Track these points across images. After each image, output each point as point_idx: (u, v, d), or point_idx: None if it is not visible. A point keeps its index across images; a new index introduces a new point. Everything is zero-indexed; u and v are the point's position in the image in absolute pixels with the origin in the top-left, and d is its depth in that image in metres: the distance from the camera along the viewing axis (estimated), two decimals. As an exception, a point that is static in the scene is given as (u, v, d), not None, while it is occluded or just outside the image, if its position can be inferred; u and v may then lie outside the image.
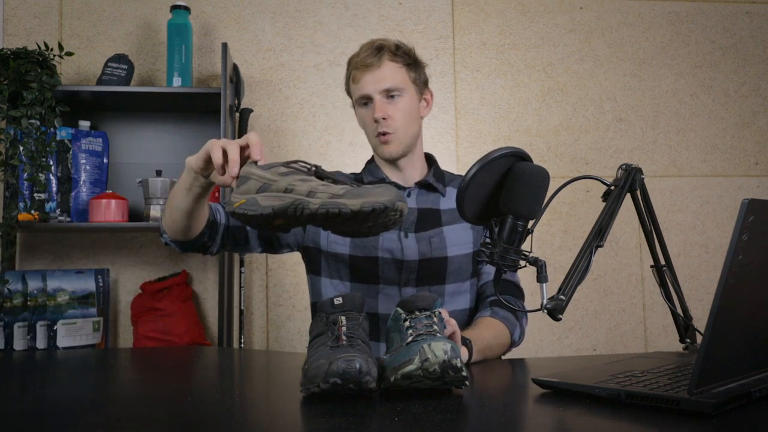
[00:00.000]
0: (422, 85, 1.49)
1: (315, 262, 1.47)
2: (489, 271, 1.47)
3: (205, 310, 2.41)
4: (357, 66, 1.43)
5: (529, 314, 1.44)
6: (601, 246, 1.08)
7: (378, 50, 1.42)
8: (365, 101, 1.44)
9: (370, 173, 1.52)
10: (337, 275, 1.44)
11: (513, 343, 1.41)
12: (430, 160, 1.56)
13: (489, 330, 1.35)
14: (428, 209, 1.47)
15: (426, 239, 1.44)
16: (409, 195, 1.49)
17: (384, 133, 1.42)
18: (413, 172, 1.51)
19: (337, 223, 0.92)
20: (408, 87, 1.44)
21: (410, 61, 1.45)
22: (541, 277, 1.02)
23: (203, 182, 1.12)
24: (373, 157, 1.55)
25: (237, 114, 2.41)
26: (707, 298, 2.61)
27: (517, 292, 1.47)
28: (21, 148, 2.04)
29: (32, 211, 2.10)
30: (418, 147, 1.50)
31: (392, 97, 1.42)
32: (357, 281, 1.43)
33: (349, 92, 1.50)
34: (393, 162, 1.48)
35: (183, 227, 1.24)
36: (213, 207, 1.36)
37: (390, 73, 1.42)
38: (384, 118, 1.41)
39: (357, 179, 1.53)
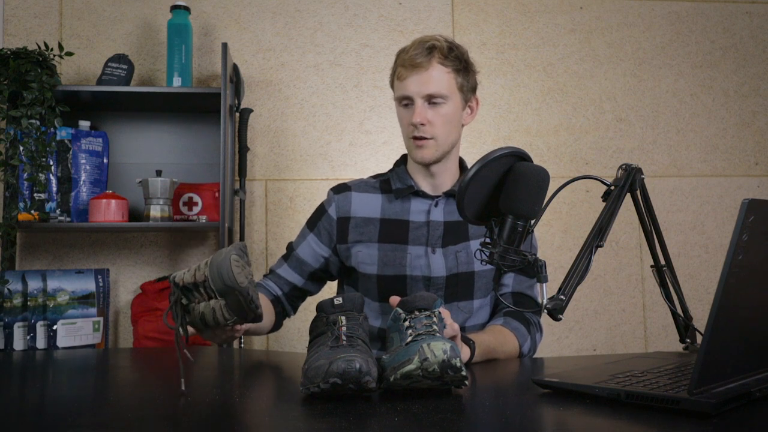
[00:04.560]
0: (469, 91, 1.42)
1: (352, 277, 1.47)
2: (508, 283, 1.44)
3: (205, 310, 2.41)
4: (404, 63, 1.37)
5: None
6: (601, 246, 1.08)
7: (429, 50, 1.35)
8: (406, 102, 1.38)
9: (399, 179, 1.46)
10: (368, 294, 1.43)
11: (522, 355, 1.37)
12: (462, 166, 1.49)
13: (496, 336, 1.33)
14: (456, 222, 1.42)
15: (452, 254, 1.40)
16: (436, 205, 1.43)
17: (420, 138, 1.37)
18: (445, 179, 1.44)
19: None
20: (453, 94, 1.37)
21: (460, 66, 1.38)
22: (541, 277, 1.02)
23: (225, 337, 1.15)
24: (403, 157, 1.50)
25: (237, 114, 2.41)
26: (707, 298, 2.61)
27: (535, 307, 1.43)
28: (21, 148, 2.04)
29: (32, 211, 2.10)
30: (453, 153, 1.44)
31: (435, 103, 1.36)
32: (385, 300, 1.37)
33: (392, 86, 1.43)
34: (426, 167, 1.42)
35: (261, 329, 1.38)
36: (264, 285, 1.47)
37: (437, 78, 1.35)
38: (422, 124, 1.35)
39: (383, 182, 1.48)
